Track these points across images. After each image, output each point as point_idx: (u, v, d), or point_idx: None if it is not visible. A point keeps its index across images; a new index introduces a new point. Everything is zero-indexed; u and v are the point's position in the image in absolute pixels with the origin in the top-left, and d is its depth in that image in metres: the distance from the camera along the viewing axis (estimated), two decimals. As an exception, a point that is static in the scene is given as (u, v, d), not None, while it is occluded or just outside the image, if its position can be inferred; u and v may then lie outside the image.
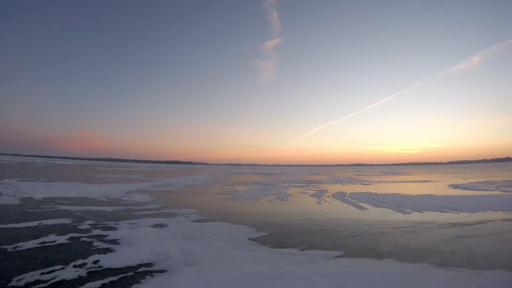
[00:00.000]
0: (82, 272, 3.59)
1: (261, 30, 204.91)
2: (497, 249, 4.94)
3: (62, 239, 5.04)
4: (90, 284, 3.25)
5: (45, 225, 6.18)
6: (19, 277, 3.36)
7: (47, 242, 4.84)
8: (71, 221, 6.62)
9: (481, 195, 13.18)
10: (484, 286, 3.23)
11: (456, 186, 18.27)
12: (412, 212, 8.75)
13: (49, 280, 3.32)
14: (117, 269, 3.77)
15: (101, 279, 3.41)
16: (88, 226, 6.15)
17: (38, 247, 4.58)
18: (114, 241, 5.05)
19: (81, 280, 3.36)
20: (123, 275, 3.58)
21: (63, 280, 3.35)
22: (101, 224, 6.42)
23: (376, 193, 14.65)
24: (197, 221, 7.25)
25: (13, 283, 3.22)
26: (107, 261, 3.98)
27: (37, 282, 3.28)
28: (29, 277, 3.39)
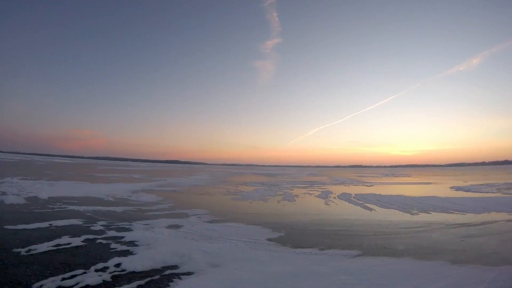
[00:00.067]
0: (106, 276, 3.43)
1: (260, 30, 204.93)
2: (504, 247, 5.18)
3: (77, 241, 4.87)
4: (117, 289, 3.10)
5: (56, 226, 6.01)
6: (39, 283, 3.15)
7: (62, 245, 4.65)
8: (83, 222, 6.45)
9: (484, 197, 13.24)
10: (496, 280, 3.44)
11: (458, 188, 18.31)
12: (419, 213, 8.93)
13: (72, 286, 3.14)
14: (141, 272, 3.62)
15: (127, 283, 3.27)
16: (101, 227, 5.99)
17: (53, 250, 4.37)
18: (132, 243, 4.90)
19: (106, 285, 3.21)
20: (149, 278, 3.44)
21: (87, 285, 3.18)
22: (114, 225, 6.26)
23: (380, 194, 14.70)
24: (211, 221, 7.13)
25: (34, 290, 3.04)
26: (130, 264, 3.83)
27: (60, 288, 3.11)
28: (50, 283, 3.17)
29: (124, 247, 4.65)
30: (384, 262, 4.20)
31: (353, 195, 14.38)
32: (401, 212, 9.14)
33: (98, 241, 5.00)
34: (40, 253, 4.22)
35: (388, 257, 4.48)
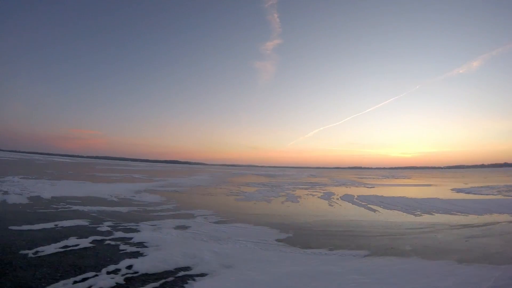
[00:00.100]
0: (119, 279, 3.36)
1: (261, 31, 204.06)
2: (508, 247, 5.29)
3: (85, 243, 4.78)
4: (132, 291, 3.04)
5: (62, 226, 5.92)
6: (51, 287, 3.05)
7: (69, 246, 4.55)
8: (89, 223, 6.38)
9: (485, 199, 13.31)
10: (502, 278, 3.52)
11: (458, 190, 18.37)
12: (422, 214, 9.03)
13: (85, 289, 3.07)
14: (154, 274, 3.56)
15: (141, 285, 3.21)
16: (108, 228, 5.92)
17: (61, 252, 4.27)
18: (141, 244, 4.84)
19: (120, 288, 3.15)
20: (163, 280, 3.38)
21: (100, 288, 3.12)
22: (121, 226, 6.19)
23: (382, 195, 14.75)
24: (218, 222, 7.08)
25: (46, 293, 2.95)
26: (141, 266, 3.77)
27: (72, 291, 3.03)
28: (61, 286, 3.09)
29: (134, 249, 4.58)
30: (393, 262, 4.25)
31: (356, 196, 14.39)
32: (404, 214, 9.21)
33: (106, 242, 4.93)
34: (48, 255, 4.12)
35: (396, 257, 4.53)
